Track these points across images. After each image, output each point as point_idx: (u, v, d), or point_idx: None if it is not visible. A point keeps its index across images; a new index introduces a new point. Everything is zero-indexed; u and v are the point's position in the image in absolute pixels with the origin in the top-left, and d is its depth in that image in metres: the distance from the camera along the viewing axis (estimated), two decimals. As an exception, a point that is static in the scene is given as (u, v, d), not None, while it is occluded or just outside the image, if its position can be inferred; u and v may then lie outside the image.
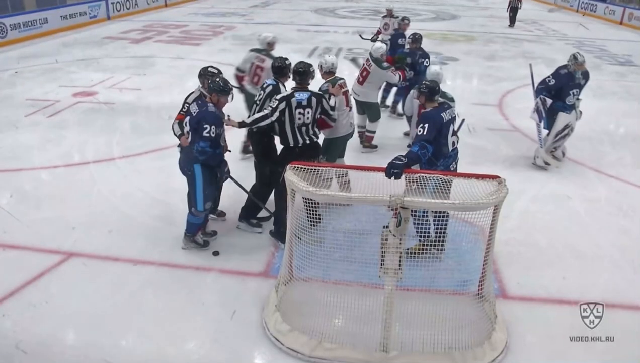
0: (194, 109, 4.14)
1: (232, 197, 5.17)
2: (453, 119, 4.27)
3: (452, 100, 4.99)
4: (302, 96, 4.35)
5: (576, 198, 5.69)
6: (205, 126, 4.00)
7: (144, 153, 6.58)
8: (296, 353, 3.41)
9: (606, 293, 4.12)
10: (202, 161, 4.12)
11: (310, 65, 4.53)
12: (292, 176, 3.34)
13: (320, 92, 4.59)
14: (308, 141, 4.47)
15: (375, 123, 6.80)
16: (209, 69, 4.50)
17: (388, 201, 3.08)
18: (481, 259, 3.60)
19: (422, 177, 3.46)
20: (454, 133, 4.31)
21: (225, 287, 4.10)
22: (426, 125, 4.00)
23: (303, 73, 4.45)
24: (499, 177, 3.48)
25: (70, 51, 12.71)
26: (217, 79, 4.18)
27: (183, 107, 4.50)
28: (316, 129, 4.54)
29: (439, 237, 3.49)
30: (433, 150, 4.02)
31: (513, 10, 17.79)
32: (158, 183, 5.70)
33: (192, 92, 4.51)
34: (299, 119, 4.35)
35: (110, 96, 9.07)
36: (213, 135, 4.01)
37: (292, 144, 4.44)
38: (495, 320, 3.62)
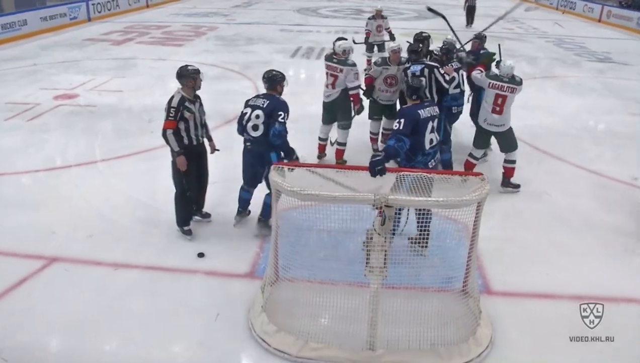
0: (260, 102, 4.56)
1: (217, 199, 5.15)
2: (433, 117, 4.30)
3: (519, 83, 5.42)
4: None
5: (558, 194, 5.76)
6: (279, 113, 4.44)
7: (126, 156, 6.52)
8: (283, 354, 3.41)
9: (589, 288, 4.19)
10: (278, 145, 4.45)
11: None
12: (276, 177, 3.34)
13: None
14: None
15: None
16: (189, 68, 4.47)
17: (372, 200, 3.09)
18: (465, 256, 3.64)
19: (401, 175, 3.50)
20: (434, 131, 4.33)
21: (211, 289, 4.09)
22: (402, 120, 4.10)
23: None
24: (481, 174, 3.52)
25: (51, 53, 12.54)
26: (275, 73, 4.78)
27: (170, 112, 4.38)
28: None
29: (423, 234, 3.51)
30: (411, 146, 4.12)
31: (470, 9, 17.44)
32: (141, 186, 5.66)
33: (174, 96, 4.47)
34: None
35: (91, 99, 8.97)
36: (285, 120, 4.47)
37: None
38: (480, 316, 3.66)
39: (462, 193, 3.33)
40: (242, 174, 4.79)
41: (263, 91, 4.75)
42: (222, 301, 3.92)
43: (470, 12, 17.38)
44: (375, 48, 10.88)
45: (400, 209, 3.69)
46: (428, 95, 5.36)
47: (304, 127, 7.57)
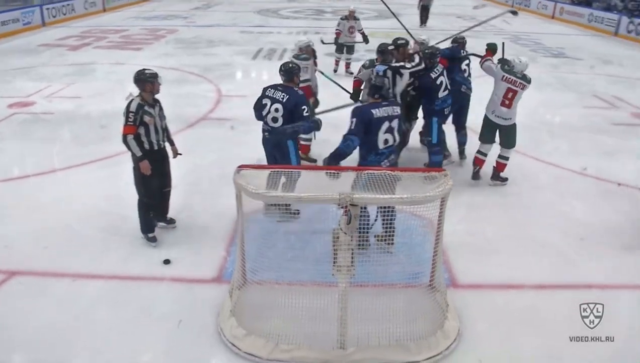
0: (279, 95, 4.69)
1: (181, 204, 5.09)
2: (391, 117, 4.28)
3: (529, 81, 5.55)
4: None
5: (518, 186, 5.92)
6: (303, 107, 4.65)
7: (86, 163, 6.36)
8: (253, 357, 3.39)
9: (550, 276, 4.33)
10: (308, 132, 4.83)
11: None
12: (240, 179, 3.32)
13: None
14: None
15: None
16: (146, 72, 4.41)
17: (337, 200, 3.11)
18: (431, 251, 3.70)
19: (358, 174, 3.55)
20: (391, 132, 4.31)
21: (177, 296, 4.02)
22: (354, 120, 4.18)
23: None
24: (444, 170, 3.58)
25: (4, 60, 12.12)
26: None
27: (129, 117, 4.30)
28: None
29: (388, 231, 3.56)
30: (364, 145, 4.22)
31: (424, 8, 17.59)
32: (103, 193, 5.53)
33: (133, 100, 4.38)
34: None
35: (48, 106, 8.72)
36: (309, 112, 4.74)
37: None
38: (447, 309, 3.72)
39: (426, 190, 3.38)
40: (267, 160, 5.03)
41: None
42: (190, 308, 3.86)
43: (424, 11, 17.61)
44: (345, 49, 10.75)
45: (364, 208, 3.72)
46: (389, 88, 5.41)
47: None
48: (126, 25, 17.57)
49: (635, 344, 3.59)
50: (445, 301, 3.77)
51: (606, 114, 8.85)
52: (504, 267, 4.43)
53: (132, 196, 4.60)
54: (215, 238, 4.75)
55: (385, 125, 4.26)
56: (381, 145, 4.28)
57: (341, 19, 10.69)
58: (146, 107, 4.36)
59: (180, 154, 4.79)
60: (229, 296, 3.77)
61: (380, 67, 5.57)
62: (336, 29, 10.66)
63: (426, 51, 5.73)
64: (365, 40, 10.52)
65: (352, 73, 9.83)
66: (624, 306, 4.01)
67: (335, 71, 10.69)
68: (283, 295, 3.64)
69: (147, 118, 4.35)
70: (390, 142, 4.35)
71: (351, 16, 10.53)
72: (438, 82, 5.63)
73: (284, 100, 4.67)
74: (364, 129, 4.17)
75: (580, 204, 5.57)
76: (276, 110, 4.68)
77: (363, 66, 6.00)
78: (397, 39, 6.00)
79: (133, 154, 4.38)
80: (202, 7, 23.30)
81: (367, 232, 3.66)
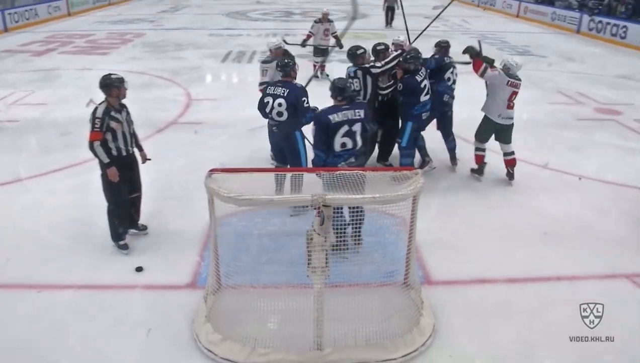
0: (280, 90, 4.89)
1: (152, 210, 5.02)
2: (351, 121, 4.26)
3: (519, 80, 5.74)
4: None
5: (488, 183, 6.02)
6: (303, 99, 4.80)
7: (53, 171, 6.22)
8: (230, 362, 3.36)
9: (521, 269, 4.42)
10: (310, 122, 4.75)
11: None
12: (211, 183, 3.29)
13: None
14: None
15: None
16: (112, 76, 4.33)
17: (310, 201, 3.11)
18: (405, 249, 3.73)
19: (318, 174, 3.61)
20: (350, 136, 4.29)
21: (151, 303, 3.96)
22: (314, 128, 4.36)
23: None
24: (415, 168, 3.62)
25: (-37, 67, 11.79)
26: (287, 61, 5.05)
27: (95, 123, 4.22)
28: None
29: (356, 230, 3.58)
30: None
31: (390, 9, 17.65)
32: (72, 202, 5.41)
33: (99, 105, 4.30)
34: None
35: (13, 113, 8.50)
36: (309, 103, 4.85)
37: None
38: (422, 306, 3.75)
39: (398, 188, 3.41)
40: (272, 152, 5.41)
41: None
42: (164, 315, 3.81)
43: (390, 12, 17.77)
44: (321, 52, 10.40)
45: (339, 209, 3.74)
46: (360, 97, 5.43)
47: (239, 132, 7.55)
48: (92, 29, 17.26)
49: (606, 329, 3.68)
50: (420, 298, 3.81)
51: (571, 110, 9.08)
52: (476, 263, 4.50)
53: (101, 203, 4.51)
54: (188, 244, 4.69)
55: (344, 129, 4.26)
56: (337, 148, 4.29)
57: (315, 21, 10.44)
58: (113, 113, 4.28)
59: (149, 159, 4.72)
60: (204, 302, 3.74)
61: (351, 69, 5.58)
62: (308, 31, 10.38)
63: (408, 56, 5.57)
64: (339, 44, 10.12)
65: (327, 75, 9.75)
66: (593, 296, 4.11)
67: (317, 76, 10.45)
68: (258, 298, 3.63)
69: (113, 124, 4.28)
70: (349, 146, 4.33)
71: (325, 18, 10.32)
72: (422, 85, 5.58)
73: (285, 94, 4.88)
74: (325, 136, 4.24)
75: (547, 198, 5.70)
76: (279, 105, 4.90)
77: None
78: (377, 44, 5.88)
79: (100, 161, 4.31)
80: (169, 10, 23.05)
81: (344, 233, 3.69)
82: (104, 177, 4.37)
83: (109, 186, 4.39)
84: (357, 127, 4.31)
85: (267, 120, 5.14)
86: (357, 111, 4.32)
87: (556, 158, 6.71)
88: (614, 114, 8.88)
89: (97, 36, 15.97)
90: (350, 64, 5.76)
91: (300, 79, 5.25)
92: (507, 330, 3.72)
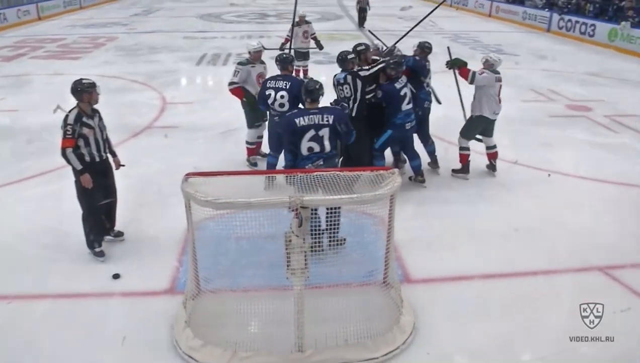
0: (281, 83, 5.28)
1: (128, 216, 4.96)
2: (318, 126, 4.22)
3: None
4: None
5: (463, 180, 6.11)
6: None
7: (26, 179, 6.10)
8: (211, 367, 3.34)
9: (497, 265, 4.48)
10: None
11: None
12: (188, 188, 3.27)
13: None
14: None
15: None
16: (83, 81, 4.28)
17: (287, 203, 3.11)
18: (383, 248, 3.75)
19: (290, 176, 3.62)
20: (317, 140, 4.26)
21: (129, 310, 3.91)
22: (282, 132, 4.51)
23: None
24: (391, 168, 3.65)
25: None
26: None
27: (67, 130, 4.16)
28: None
29: (332, 231, 3.60)
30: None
31: (361, 10, 17.88)
32: (46, 210, 5.31)
33: (71, 111, 4.23)
34: None
35: (-19, 121, 8.30)
36: None
37: None
38: (402, 305, 3.78)
39: (375, 188, 3.43)
40: (269, 144, 5.66)
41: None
42: (143, 322, 3.76)
43: (362, 13, 17.93)
44: (302, 56, 10.20)
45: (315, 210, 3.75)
46: (351, 95, 5.30)
47: (215, 135, 7.51)
48: (63, 33, 16.97)
49: (582, 321, 3.76)
50: (400, 297, 3.84)
51: (543, 107, 9.25)
52: (453, 260, 4.55)
53: (75, 211, 4.44)
54: (166, 249, 4.64)
55: (310, 133, 4.23)
56: (304, 152, 4.27)
57: (294, 25, 9.97)
58: (85, 119, 4.22)
59: (123, 165, 4.66)
60: (183, 307, 3.70)
61: (340, 75, 5.39)
62: (286, 35, 9.80)
63: (391, 61, 5.44)
64: (319, 46, 10.12)
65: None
66: (568, 290, 4.21)
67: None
68: (238, 301, 3.62)
69: (86, 130, 4.22)
70: (316, 150, 4.28)
71: (302, 21, 10.07)
72: (402, 93, 5.42)
73: (288, 87, 5.25)
74: (292, 138, 4.27)
75: (522, 194, 5.80)
76: (281, 97, 5.26)
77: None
78: (357, 45, 5.74)
79: (73, 168, 4.24)
80: (142, 13, 22.80)
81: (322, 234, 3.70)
82: (78, 184, 4.31)
83: (83, 193, 4.33)
84: (324, 132, 4.24)
85: (269, 111, 5.50)
86: (325, 115, 4.25)
87: (530, 155, 6.83)
88: (584, 110, 9.07)
89: (69, 40, 15.71)
90: (339, 70, 5.51)
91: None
92: (486, 326, 3.77)
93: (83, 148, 4.25)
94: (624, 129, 8.11)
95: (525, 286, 4.24)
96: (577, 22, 16.78)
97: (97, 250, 4.49)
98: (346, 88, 5.31)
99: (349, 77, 5.30)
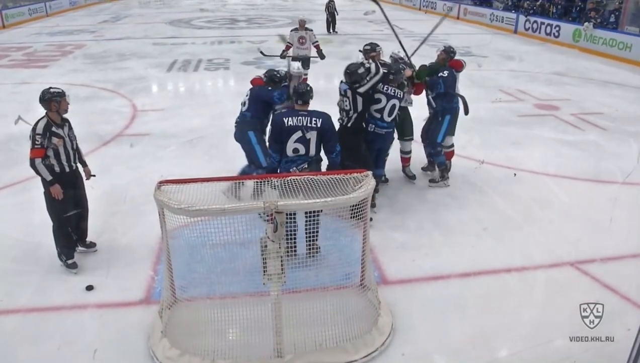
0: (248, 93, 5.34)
1: (100, 226, 4.88)
2: (306, 128, 4.23)
3: None
4: None
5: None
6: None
7: (-7, 191, 5.95)
8: (189, 377, 3.31)
9: (472, 263, 4.54)
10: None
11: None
12: (161, 196, 3.23)
13: None
14: None
15: None
16: (52, 90, 4.19)
17: (262, 208, 3.10)
18: (360, 251, 3.77)
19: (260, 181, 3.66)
20: (302, 142, 4.27)
21: (104, 322, 3.83)
22: (270, 129, 4.46)
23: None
24: (365, 170, 3.67)
25: None
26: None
27: (35, 140, 4.07)
28: None
29: (311, 238, 3.60)
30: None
31: (331, 15, 18.04)
32: (15, 221, 5.18)
33: (39, 122, 4.14)
34: None
35: (-56, 132, 8.04)
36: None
37: None
38: (379, 306, 3.80)
39: (349, 191, 3.44)
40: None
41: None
42: (118, 333, 3.70)
43: (331, 18, 18.08)
44: (300, 63, 9.60)
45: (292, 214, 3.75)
46: (350, 109, 5.11)
47: (187, 142, 7.44)
48: (29, 41, 16.61)
49: (555, 315, 3.84)
50: (377, 298, 3.86)
51: (512, 107, 9.43)
52: (429, 260, 4.60)
53: (45, 222, 4.35)
54: (140, 258, 4.58)
55: (297, 134, 4.25)
56: (289, 153, 4.31)
57: (291, 30, 9.98)
58: (54, 128, 4.14)
59: (94, 176, 4.56)
60: (159, 317, 3.65)
61: (343, 86, 5.14)
62: (287, 42, 9.65)
63: (392, 71, 5.33)
64: (321, 55, 9.86)
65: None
66: (542, 285, 4.29)
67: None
68: (215, 309, 3.58)
69: (55, 140, 4.13)
70: (301, 152, 4.31)
71: (301, 26, 9.83)
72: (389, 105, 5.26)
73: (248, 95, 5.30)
74: (278, 136, 4.29)
75: (493, 192, 5.89)
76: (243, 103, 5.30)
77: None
78: (366, 45, 5.81)
79: (43, 179, 4.16)
80: (109, 20, 22.47)
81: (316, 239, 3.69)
82: (47, 195, 4.22)
83: (53, 204, 4.24)
84: (311, 135, 4.26)
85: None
86: (314, 119, 4.26)
87: (499, 154, 6.96)
88: (552, 109, 9.29)
89: (35, 48, 15.38)
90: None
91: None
92: (462, 324, 3.82)
93: (52, 158, 4.16)
94: (590, 127, 8.32)
95: (499, 284, 4.31)
96: (542, 23, 17.19)
97: (70, 262, 4.40)
98: (345, 101, 5.11)
99: (349, 92, 5.10)
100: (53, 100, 4.15)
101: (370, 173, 3.63)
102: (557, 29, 16.45)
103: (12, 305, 4.00)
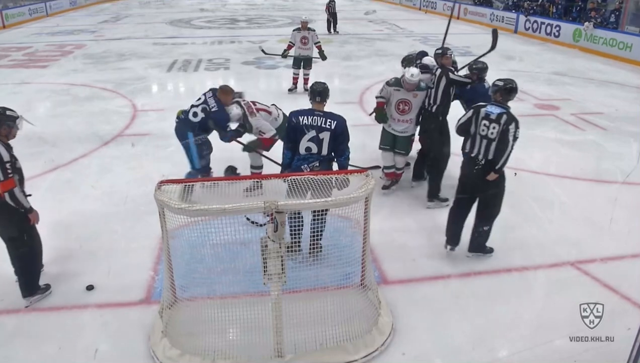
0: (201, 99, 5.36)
1: (101, 227, 4.88)
2: (321, 129, 4.22)
3: None
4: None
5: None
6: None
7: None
8: (190, 377, 3.31)
9: (472, 264, 4.54)
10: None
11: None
12: (161, 196, 3.23)
13: None
14: None
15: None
16: (7, 113, 3.78)
17: (263, 208, 3.10)
18: (360, 251, 3.77)
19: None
20: (315, 141, 4.25)
21: (105, 323, 3.84)
22: (287, 127, 4.37)
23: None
24: (366, 170, 3.68)
25: None
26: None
27: (6, 168, 3.57)
28: None
29: (315, 234, 3.60)
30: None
31: (332, 15, 18.05)
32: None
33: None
34: None
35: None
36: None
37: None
38: (380, 306, 3.81)
39: (350, 191, 3.45)
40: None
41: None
42: (119, 333, 3.70)
43: (332, 18, 18.09)
44: (302, 63, 9.87)
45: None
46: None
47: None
48: (29, 42, 16.60)
49: (556, 314, 3.84)
50: (378, 298, 3.86)
51: (512, 107, 9.36)
52: (429, 260, 4.60)
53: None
54: (140, 258, 4.58)
55: (311, 134, 4.24)
56: (302, 151, 4.31)
57: (294, 30, 9.90)
58: (12, 151, 3.70)
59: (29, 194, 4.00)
60: (160, 317, 3.66)
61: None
62: (289, 42, 9.81)
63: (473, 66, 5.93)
64: (322, 56, 9.89)
65: (306, 90, 9.53)
66: (542, 285, 4.29)
67: (290, 90, 10.11)
68: (216, 309, 3.58)
69: (18, 164, 3.72)
70: (314, 151, 4.30)
71: (304, 27, 9.71)
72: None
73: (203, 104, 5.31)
74: (292, 135, 4.28)
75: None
76: (194, 114, 5.30)
77: (387, 83, 5.57)
78: (438, 49, 6.18)
79: (12, 213, 3.68)
80: (110, 20, 22.46)
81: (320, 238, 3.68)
82: (20, 224, 3.77)
83: (31, 233, 3.88)
84: (324, 135, 4.25)
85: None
86: (329, 120, 4.25)
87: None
88: (552, 109, 9.29)
89: (35, 48, 15.38)
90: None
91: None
92: (462, 324, 3.82)
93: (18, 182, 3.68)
94: (590, 127, 8.33)
95: (499, 284, 4.31)
96: (542, 23, 17.19)
97: (44, 285, 4.13)
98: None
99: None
100: (5, 123, 3.70)
101: (371, 172, 3.63)
102: (558, 28, 16.45)
103: (12, 305, 4.00)
